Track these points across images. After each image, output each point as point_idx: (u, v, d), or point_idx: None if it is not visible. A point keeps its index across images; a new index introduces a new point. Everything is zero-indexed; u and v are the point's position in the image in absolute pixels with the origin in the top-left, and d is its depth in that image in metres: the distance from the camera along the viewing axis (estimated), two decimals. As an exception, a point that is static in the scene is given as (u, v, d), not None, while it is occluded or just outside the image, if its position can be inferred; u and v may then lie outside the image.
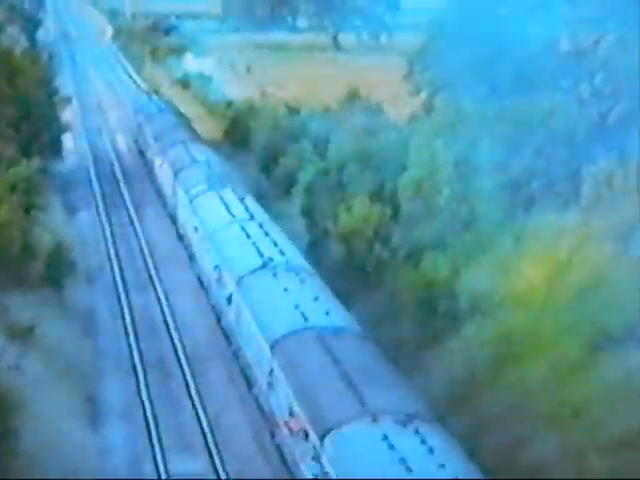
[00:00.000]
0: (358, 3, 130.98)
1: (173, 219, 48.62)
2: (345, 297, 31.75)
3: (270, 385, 27.02)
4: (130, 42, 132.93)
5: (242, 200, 41.02)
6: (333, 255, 39.13)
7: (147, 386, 32.42)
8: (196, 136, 60.26)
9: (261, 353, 28.01)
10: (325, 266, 37.12)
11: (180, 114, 68.52)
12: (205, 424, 29.77)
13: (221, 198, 41.29)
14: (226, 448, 28.31)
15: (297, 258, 33.84)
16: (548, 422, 24.86)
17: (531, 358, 27.50)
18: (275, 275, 31.51)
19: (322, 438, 22.04)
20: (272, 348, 27.00)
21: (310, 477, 22.88)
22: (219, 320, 35.59)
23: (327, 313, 28.17)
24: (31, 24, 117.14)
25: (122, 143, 72.17)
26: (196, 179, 45.08)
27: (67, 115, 63.98)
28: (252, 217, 38.36)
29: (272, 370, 26.73)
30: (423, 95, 57.47)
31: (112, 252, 46.47)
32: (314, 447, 22.44)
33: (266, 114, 63.81)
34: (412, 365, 29.99)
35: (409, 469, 19.68)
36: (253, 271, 32.20)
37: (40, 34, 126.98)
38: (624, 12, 44.85)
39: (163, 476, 27.03)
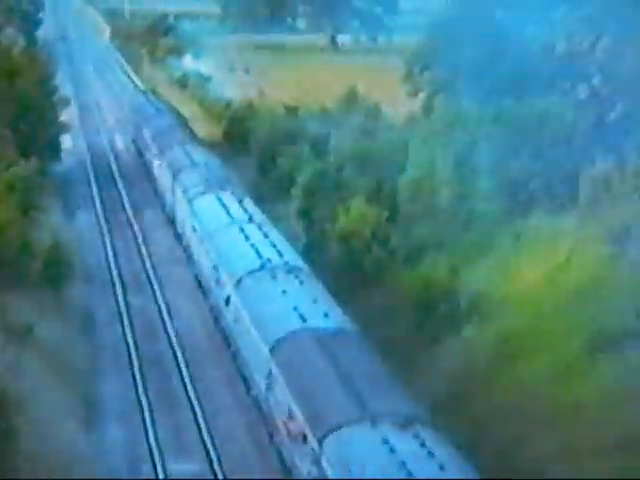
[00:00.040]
0: (356, 4, 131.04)
1: (171, 220, 48.58)
2: (343, 298, 31.71)
3: (269, 387, 26.91)
4: (128, 42, 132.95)
5: (241, 201, 40.93)
6: (331, 256, 39.11)
7: (145, 386, 32.42)
8: (195, 137, 60.20)
9: (259, 355, 27.90)
10: (323, 267, 37.09)
11: (179, 115, 68.45)
12: (203, 424, 29.79)
13: (220, 200, 41.21)
14: (223, 448, 28.34)
15: (296, 259, 33.73)
16: (547, 422, 24.88)
17: (530, 358, 27.52)
18: (274, 277, 31.40)
19: (321, 441, 21.93)
20: (271, 350, 26.89)
21: None
22: (217, 321, 35.53)
23: (326, 315, 28.04)
24: (30, 24, 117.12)
25: (120, 143, 72.17)
26: (195, 181, 45.01)
27: (65, 115, 63.91)
28: (251, 218, 38.24)
29: (271, 372, 26.63)
30: (422, 96, 57.56)
31: (110, 252, 46.47)
32: (313, 450, 22.32)
33: (264, 115, 63.81)
34: (411, 366, 30.00)
35: (409, 472, 19.56)
36: (251, 272, 32.10)
37: (39, 34, 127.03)
38: (621, 14, 44.90)
39: (161, 476, 27.03)
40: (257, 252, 33.62)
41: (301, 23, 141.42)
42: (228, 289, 32.91)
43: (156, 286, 41.89)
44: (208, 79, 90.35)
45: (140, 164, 63.49)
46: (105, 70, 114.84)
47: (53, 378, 30.88)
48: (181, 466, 27.68)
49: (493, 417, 26.44)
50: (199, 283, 39.75)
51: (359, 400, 22.73)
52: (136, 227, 50.66)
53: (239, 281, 32.04)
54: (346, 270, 37.85)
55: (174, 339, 36.26)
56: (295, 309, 28.32)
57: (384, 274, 36.46)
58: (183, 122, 65.70)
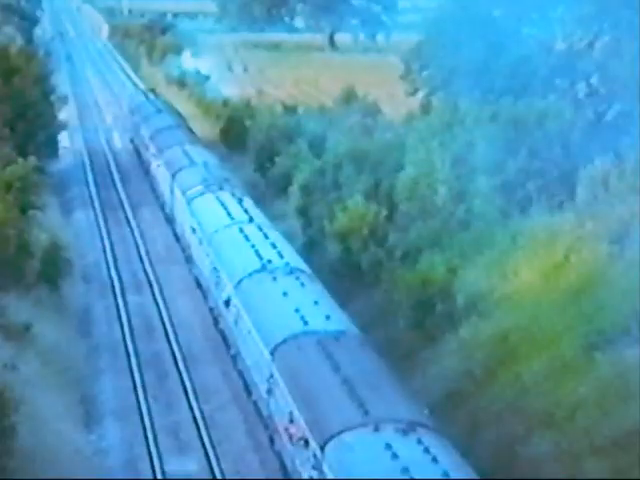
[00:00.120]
0: (355, 3, 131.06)
1: (170, 220, 48.41)
2: (341, 297, 31.69)
3: (269, 391, 26.61)
4: (127, 40, 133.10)
5: (240, 202, 40.64)
6: (329, 255, 39.09)
7: (143, 385, 32.40)
8: (194, 137, 60.06)
9: (260, 358, 27.59)
10: (321, 266, 37.07)
11: (177, 114, 68.39)
12: (201, 423, 29.77)
13: (219, 200, 40.99)
14: (222, 447, 28.33)
15: (296, 261, 33.38)
16: (544, 421, 24.88)
17: (527, 358, 27.51)
18: (274, 278, 31.01)
19: (323, 446, 21.64)
20: (272, 353, 26.56)
21: None
22: (216, 322, 35.34)
23: (327, 317, 27.62)
24: (28, 22, 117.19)
25: (118, 142, 72.17)
26: (194, 181, 44.80)
27: (63, 114, 63.91)
28: (251, 219, 37.92)
29: (271, 375, 26.33)
30: (420, 95, 57.59)
31: (108, 251, 46.47)
32: (315, 455, 22.05)
33: (262, 113, 63.82)
34: (408, 365, 30.00)
35: (412, 479, 19.28)
36: (252, 274, 31.73)
37: (36, 32, 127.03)
38: (619, 13, 44.93)
39: (159, 476, 27.00)
40: (257, 253, 33.25)
41: (299, 22, 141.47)
42: (228, 291, 32.58)
43: (154, 284, 41.90)
44: (206, 78, 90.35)
45: (138, 163, 63.49)
46: (103, 69, 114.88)
47: (51, 377, 30.87)
48: (180, 466, 27.65)
49: (491, 416, 26.44)
50: (199, 284, 39.51)
51: (361, 404, 22.38)
52: (134, 225, 50.67)
53: (239, 283, 31.69)
54: (344, 269, 37.83)
55: (172, 338, 36.25)
56: (296, 311, 27.90)
57: (381, 273, 36.44)
58: (182, 121, 65.64)
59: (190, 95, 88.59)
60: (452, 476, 19.50)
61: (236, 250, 34.62)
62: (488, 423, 26.21)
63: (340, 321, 27.96)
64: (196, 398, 31.50)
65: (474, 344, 29.74)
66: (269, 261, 32.33)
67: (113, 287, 41.67)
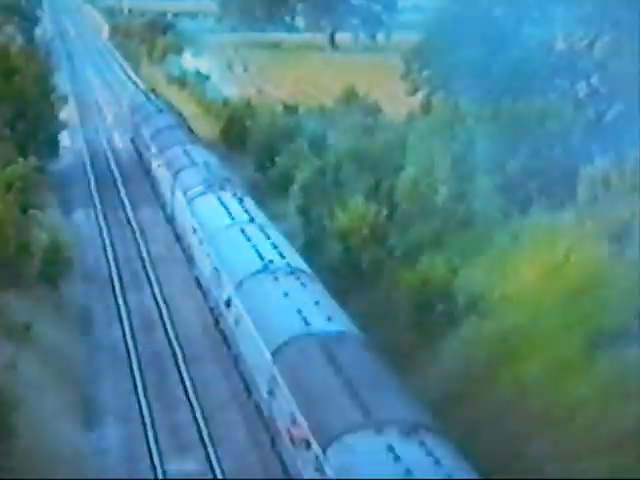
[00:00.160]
0: (355, 2, 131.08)
1: (171, 220, 48.31)
2: (341, 296, 31.68)
3: (271, 392, 26.49)
4: (127, 40, 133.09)
5: (241, 202, 40.51)
6: (329, 254, 39.08)
7: (143, 385, 32.40)
8: (194, 137, 59.98)
9: (261, 359, 27.44)
10: (321, 265, 37.05)
11: (178, 114, 68.33)
12: (202, 423, 29.77)
13: (220, 200, 40.82)
14: (222, 447, 28.33)
15: (297, 261, 33.22)
16: (544, 421, 24.87)
17: (527, 357, 27.50)
18: (276, 279, 30.85)
19: (325, 448, 21.53)
20: (273, 354, 26.44)
21: None
22: (217, 323, 35.25)
23: (329, 318, 27.48)
24: (28, 22, 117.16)
25: (119, 141, 72.16)
26: (195, 181, 44.70)
27: (64, 114, 63.89)
28: (252, 219, 37.77)
29: (273, 376, 26.19)
30: (420, 94, 57.60)
31: (109, 251, 46.46)
32: (316, 457, 21.90)
33: (263, 113, 63.82)
34: (408, 365, 29.97)
35: None
36: (253, 274, 31.58)
37: (37, 32, 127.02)
38: (619, 13, 44.94)
39: (160, 476, 26.99)
40: (258, 254, 33.10)
41: (300, 21, 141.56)
42: (229, 291, 32.45)
43: (155, 284, 41.89)
44: (206, 78, 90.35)
45: (138, 163, 63.46)
46: (104, 68, 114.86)
47: (51, 377, 30.85)
48: (180, 466, 27.64)
49: (491, 415, 26.43)
50: (199, 285, 39.41)
51: (363, 406, 22.28)
52: (135, 225, 50.66)
53: (240, 283, 31.57)
54: (344, 268, 37.81)
55: (172, 337, 36.25)
56: (298, 312, 27.76)
57: (382, 272, 36.43)
58: (183, 121, 65.56)
59: (190, 95, 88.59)
60: (455, 478, 19.36)
61: (237, 250, 34.47)
62: (488, 423, 26.19)
63: (341, 322, 27.84)
64: (196, 397, 31.49)
65: (474, 344, 29.75)
66: (270, 261, 32.19)
67: (113, 287, 41.66)
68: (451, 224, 36.24)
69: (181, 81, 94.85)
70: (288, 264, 32.14)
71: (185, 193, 43.86)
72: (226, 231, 36.70)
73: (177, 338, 36.20)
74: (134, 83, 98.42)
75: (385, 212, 38.31)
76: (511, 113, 37.90)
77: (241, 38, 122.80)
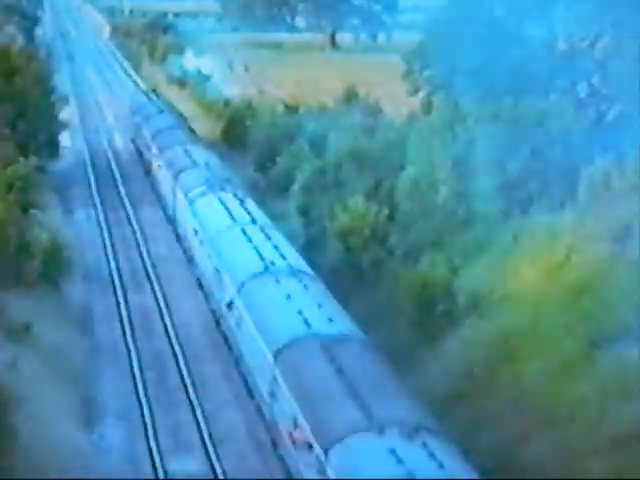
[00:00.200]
0: (356, 3, 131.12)
1: (172, 221, 48.21)
2: (342, 296, 31.66)
3: (272, 394, 26.42)
4: (128, 40, 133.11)
5: (242, 203, 40.36)
6: (330, 254, 39.07)
7: (144, 385, 32.39)
8: (196, 137, 59.90)
9: (263, 361, 27.36)
10: (322, 265, 37.06)
11: (179, 114, 68.28)
12: (202, 423, 29.76)
13: (221, 201, 40.68)
14: (223, 446, 28.33)
15: (299, 263, 33.09)
16: (545, 421, 24.87)
17: (528, 357, 27.50)
18: (277, 280, 30.72)
19: (327, 450, 21.46)
20: (275, 356, 26.34)
21: None
22: (218, 324, 35.18)
23: (331, 320, 27.38)
24: (29, 22, 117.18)
25: (120, 142, 72.16)
26: (196, 181, 44.59)
27: (64, 114, 63.90)
28: (253, 220, 37.62)
29: (274, 378, 26.09)
30: (421, 94, 57.58)
31: (109, 251, 46.46)
32: (318, 459, 21.82)
33: (263, 113, 63.82)
34: (409, 365, 29.96)
35: None
36: (254, 276, 31.48)
37: (38, 32, 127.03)
38: (620, 13, 44.93)
39: (161, 476, 26.99)
40: (260, 255, 32.97)
41: (300, 21, 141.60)
42: (231, 293, 32.32)
43: (155, 284, 41.88)
44: (207, 78, 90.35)
45: (139, 163, 63.45)
46: (104, 68, 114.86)
47: (51, 376, 30.86)
48: (180, 466, 27.63)
49: (491, 415, 26.43)
50: (200, 286, 39.33)
51: (365, 408, 22.18)
52: (135, 225, 50.66)
53: (242, 285, 31.47)
54: (345, 268, 37.80)
55: (173, 337, 36.25)
56: (299, 314, 27.66)
57: (382, 272, 36.43)
58: (184, 121, 65.50)
59: (191, 95, 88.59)
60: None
61: (238, 252, 34.33)
62: (489, 423, 26.19)
63: (344, 324, 27.73)
64: (197, 397, 31.49)
65: (475, 344, 29.74)
66: (272, 263, 32.08)
67: (114, 286, 41.65)
68: (452, 224, 36.24)
69: (182, 81, 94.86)
70: (290, 265, 32.05)
71: (186, 194, 43.75)
72: (227, 232, 36.59)
73: (177, 338, 36.19)
74: (135, 83, 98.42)
75: (386, 212, 38.31)
76: (512, 113, 37.88)
77: (242, 38, 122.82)
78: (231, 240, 35.76)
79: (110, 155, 67.54)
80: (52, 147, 57.96)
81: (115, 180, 60.33)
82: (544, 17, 51.52)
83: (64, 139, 62.60)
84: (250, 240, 34.86)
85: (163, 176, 51.56)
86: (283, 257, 32.85)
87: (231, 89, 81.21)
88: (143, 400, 31.32)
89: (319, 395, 23.88)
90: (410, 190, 38.53)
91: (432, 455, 20.07)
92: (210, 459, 27.73)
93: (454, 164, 36.91)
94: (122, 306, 39.36)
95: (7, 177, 41.38)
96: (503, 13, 54.48)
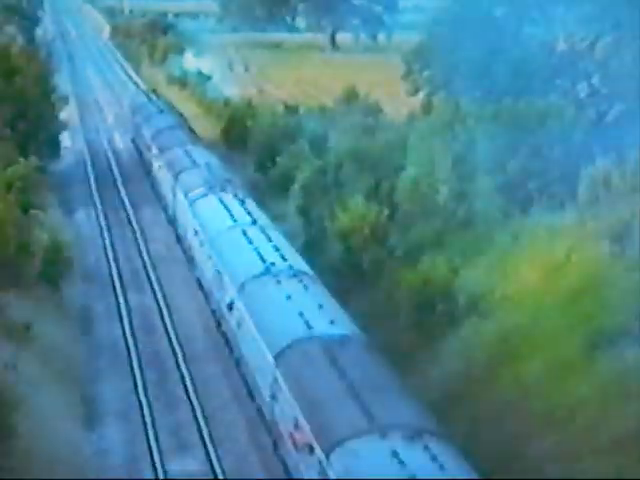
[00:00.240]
0: (356, 3, 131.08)
1: (172, 222, 48.15)
2: (342, 296, 31.66)
3: (273, 396, 26.32)
4: (128, 40, 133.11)
5: (243, 204, 40.26)
6: (330, 254, 39.07)
7: (144, 385, 32.38)
8: (196, 138, 59.85)
9: (264, 362, 27.24)
10: (322, 265, 37.04)
11: (179, 114, 68.27)
12: (202, 422, 29.75)
13: (222, 201, 40.59)
14: (223, 447, 28.32)
15: (300, 264, 32.97)
16: (545, 421, 24.86)
17: (528, 358, 27.50)
18: (278, 281, 30.61)
19: (328, 453, 21.33)
20: (275, 357, 26.25)
21: None
22: (219, 326, 35.13)
23: (332, 322, 27.27)
24: (29, 22, 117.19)
25: (119, 142, 72.16)
26: (196, 182, 44.51)
27: (64, 114, 63.90)
28: (253, 221, 37.52)
29: (276, 380, 25.97)
30: (421, 95, 57.62)
31: (110, 251, 46.45)
32: (320, 462, 21.69)
33: (263, 113, 63.81)
34: (409, 365, 29.95)
35: None
36: (255, 277, 31.37)
37: (38, 32, 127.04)
38: (620, 13, 44.95)
39: (161, 476, 26.97)
40: (260, 256, 32.87)
41: (300, 21, 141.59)
42: (231, 294, 32.23)
43: (155, 284, 41.87)
44: (207, 78, 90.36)
45: (139, 163, 63.44)
46: (104, 69, 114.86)
47: (51, 376, 30.84)
48: (181, 466, 27.61)
49: (491, 415, 26.42)
50: (201, 287, 39.26)
51: (367, 411, 22.05)
52: (135, 225, 50.65)
53: (242, 286, 31.36)
54: (345, 268, 37.79)
55: (173, 337, 36.24)
56: (300, 315, 27.57)
57: (382, 272, 36.43)
58: (184, 122, 65.47)
59: (191, 95, 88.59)
60: None
61: (239, 253, 34.25)
62: (489, 423, 26.18)
63: (345, 325, 27.63)
64: (197, 397, 31.48)
65: (475, 344, 29.74)
66: (272, 264, 31.96)
67: (114, 287, 41.65)
68: (452, 224, 36.25)
69: (182, 81, 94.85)
70: (290, 267, 31.93)
71: (186, 194, 43.67)
72: (228, 233, 36.50)
73: (177, 338, 36.18)
74: (135, 83, 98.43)
75: (386, 212, 38.29)
76: (512, 113, 37.88)
77: (242, 38, 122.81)
78: (232, 241, 35.64)
79: (110, 155, 67.55)
80: (52, 147, 57.94)
81: (115, 180, 60.33)
82: (544, 17, 51.56)
83: (64, 139, 62.60)
84: (251, 241, 34.76)
85: (163, 176, 51.52)
86: (284, 258, 32.74)
87: (231, 89, 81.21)
88: (143, 400, 31.30)
89: (320, 397, 23.77)
90: (410, 190, 38.53)
91: (435, 458, 19.95)
92: (210, 459, 27.73)
93: (454, 164, 36.91)
94: (122, 306, 39.35)
95: (7, 177, 41.36)
96: (503, 13, 54.51)
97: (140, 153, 64.30)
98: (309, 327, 26.88)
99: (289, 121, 58.86)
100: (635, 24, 43.85)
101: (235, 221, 37.81)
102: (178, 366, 33.90)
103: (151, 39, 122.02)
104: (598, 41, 48.06)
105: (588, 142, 35.65)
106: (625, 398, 23.66)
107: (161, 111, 66.01)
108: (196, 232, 40.08)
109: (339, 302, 30.14)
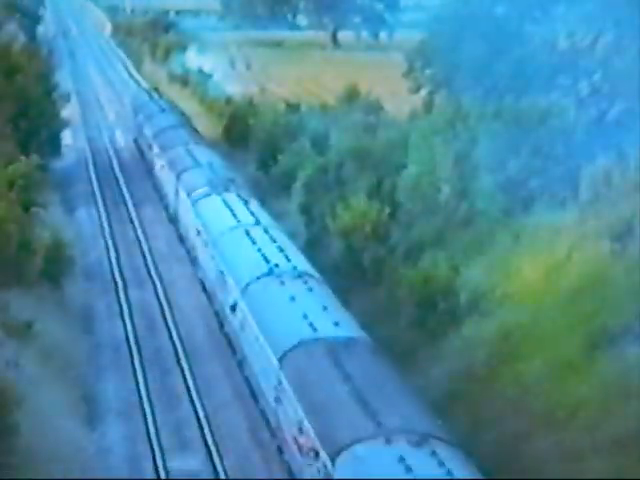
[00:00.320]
0: (358, 1, 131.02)
1: (174, 221, 48.04)
2: (343, 294, 31.66)
3: (277, 399, 26.13)
4: (129, 38, 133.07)
5: (246, 203, 40.07)
6: (331, 252, 39.08)
7: (146, 383, 32.40)
8: (198, 137, 59.71)
9: (268, 365, 27.08)
10: (323, 263, 37.04)
11: (181, 113, 68.15)
12: (204, 421, 29.77)
13: (225, 201, 40.43)
14: (224, 445, 28.34)
15: (304, 264, 32.74)
16: (546, 420, 24.87)
17: (529, 356, 27.49)
18: (282, 283, 30.41)
19: (334, 458, 21.12)
20: (280, 360, 26.05)
21: None
22: (222, 327, 35.03)
23: (336, 324, 27.09)
24: (30, 20, 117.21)
25: (121, 140, 72.16)
26: (199, 182, 44.31)
27: (66, 112, 63.90)
28: (257, 221, 37.33)
29: (280, 383, 25.79)
30: (423, 93, 57.60)
31: (111, 249, 46.46)
32: (325, 467, 21.50)
33: (265, 111, 63.78)
34: (410, 363, 29.96)
35: None
36: (259, 278, 31.15)
37: (39, 30, 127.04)
38: (621, 11, 44.92)
39: (162, 474, 26.98)
40: (264, 257, 32.62)
41: (302, 19, 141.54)
42: (234, 295, 32.05)
43: (157, 282, 41.88)
44: (209, 76, 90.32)
45: (141, 161, 63.43)
46: (106, 67, 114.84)
47: (53, 374, 30.86)
48: (182, 464, 27.63)
49: (492, 414, 26.42)
50: (204, 288, 39.16)
51: (373, 415, 21.81)
52: (137, 223, 50.64)
53: (246, 287, 31.16)
54: (346, 266, 37.80)
55: (175, 336, 36.26)
56: (304, 317, 27.36)
57: (384, 271, 36.43)
58: (186, 120, 65.33)
59: (193, 93, 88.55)
60: None
61: (242, 253, 34.04)
62: (490, 422, 26.18)
63: (350, 327, 27.42)
64: (199, 396, 31.49)
65: (476, 342, 29.73)
66: (276, 265, 31.72)
67: (116, 285, 41.66)
68: (453, 222, 36.25)
69: (183, 79, 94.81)
70: (294, 267, 31.73)
71: (189, 194, 43.46)
72: (231, 233, 36.30)
73: (179, 336, 36.18)
74: (136, 82, 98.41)
75: (387, 210, 38.29)
76: (513, 112, 37.88)
77: (243, 36, 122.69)
78: (235, 241, 35.44)
79: (112, 153, 67.55)
80: (54, 145, 57.95)
81: (117, 179, 60.32)
82: (545, 15, 51.53)
83: (66, 137, 62.60)
84: (254, 242, 34.55)
85: (165, 176, 51.41)
86: (288, 259, 32.53)
87: (233, 87, 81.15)
88: (144, 398, 31.32)
89: (325, 401, 23.55)
90: (412, 188, 38.53)
91: (441, 464, 19.74)
92: (212, 457, 27.76)
93: (455, 162, 36.91)
94: (124, 304, 39.36)
95: (9, 175, 41.38)
96: (504, 12, 54.48)
97: (142, 152, 64.25)
98: (314, 329, 26.68)
99: (291, 119, 58.83)
100: (636, 22, 43.80)
101: (238, 221, 37.56)
102: (180, 365, 33.89)
103: (152, 37, 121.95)
104: (599, 39, 48.02)
105: (589, 141, 35.62)
106: (626, 397, 23.67)
107: (163, 110, 65.88)
108: (199, 232, 39.88)
109: (340, 300, 30.11)
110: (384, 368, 25.18)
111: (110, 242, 47.51)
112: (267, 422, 27.91)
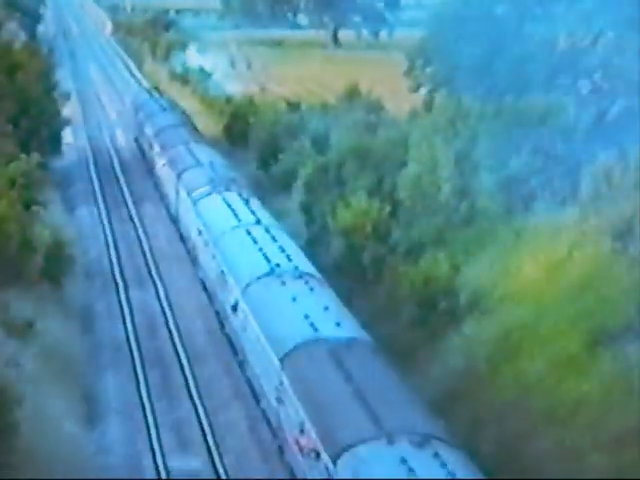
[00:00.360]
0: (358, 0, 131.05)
1: (175, 221, 47.97)
2: (343, 293, 31.64)
3: (279, 400, 26.06)
4: (130, 37, 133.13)
5: (247, 203, 39.97)
6: (332, 251, 39.05)
7: (146, 382, 32.39)
8: (199, 136, 59.65)
9: (269, 365, 27.01)
10: (324, 262, 37.03)
11: (182, 112, 68.11)
12: (204, 421, 29.76)
13: (226, 201, 40.32)
14: (224, 444, 28.33)
15: (305, 264, 32.64)
16: (547, 418, 24.85)
17: (530, 355, 27.48)
18: (283, 283, 30.30)
19: (335, 459, 21.05)
20: (281, 360, 25.97)
21: None
22: (223, 327, 34.98)
23: (338, 324, 27.02)
24: (31, 19, 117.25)
25: (122, 139, 72.14)
26: (200, 181, 44.24)
27: (66, 110, 63.89)
28: (258, 221, 37.23)
29: (281, 383, 25.71)
30: (423, 91, 57.57)
31: (112, 248, 46.45)
32: (327, 468, 21.43)
33: (265, 110, 63.75)
34: (411, 362, 29.95)
35: None
36: (260, 278, 31.06)
37: (40, 29, 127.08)
38: (621, 10, 44.90)
39: (162, 474, 26.97)
40: (265, 256, 32.51)
41: (302, 18, 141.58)
42: (235, 295, 31.94)
43: (157, 281, 41.86)
44: (209, 75, 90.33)
45: (142, 160, 63.42)
46: (106, 65, 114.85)
47: (53, 374, 30.84)
48: (182, 464, 27.62)
49: (493, 412, 26.41)
50: (204, 288, 39.10)
51: (375, 416, 21.74)
52: (137, 222, 50.63)
53: (247, 287, 31.07)
54: (347, 265, 37.77)
55: (175, 335, 36.24)
56: (306, 317, 27.27)
57: (384, 269, 36.41)
58: (187, 119, 65.30)
59: (193, 92, 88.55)
60: None
61: (243, 253, 33.92)
62: (491, 420, 26.17)
63: (351, 328, 27.34)
64: (199, 395, 31.47)
65: (477, 341, 29.73)
66: (277, 265, 31.62)
67: (116, 284, 41.65)
68: (454, 221, 36.23)
69: (184, 78, 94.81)
70: (296, 267, 31.62)
71: (190, 194, 43.36)
72: (232, 233, 36.21)
73: (180, 336, 36.17)
74: (137, 80, 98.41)
75: (388, 209, 38.26)
76: (514, 110, 37.85)
77: (244, 35, 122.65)
78: (236, 241, 35.34)
79: (112, 152, 67.54)
80: (54, 144, 57.95)
81: (117, 177, 60.31)
82: (546, 14, 51.51)
83: (66, 136, 62.58)
84: (255, 241, 34.44)
85: (166, 175, 51.34)
86: (289, 259, 32.40)
87: (233, 86, 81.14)
88: (145, 398, 31.31)
89: (327, 402, 23.49)
90: (412, 187, 38.50)
91: (444, 465, 19.68)
92: (212, 457, 27.75)
93: (456, 161, 36.88)
94: (124, 304, 39.35)
95: (9, 174, 41.36)
96: (505, 10, 54.45)
97: (142, 151, 64.22)
98: (315, 329, 26.61)
99: (291, 118, 58.79)
100: (636, 20, 43.80)
101: (239, 221, 37.46)
102: (180, 365, 33.88)
103: (153, 36, 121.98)
104: (600, 38, 48.02)
105: (590, 139, 35.61)
106: (627, 395, 23.66)
107: (164, 109, 65.83)
108: (200, 232, 39.78)
109: (341, 299, 30.08)
110: (386, 369, 25.10)
111: (111, 241, 47.50)
112: (268, 422, 27.86)
